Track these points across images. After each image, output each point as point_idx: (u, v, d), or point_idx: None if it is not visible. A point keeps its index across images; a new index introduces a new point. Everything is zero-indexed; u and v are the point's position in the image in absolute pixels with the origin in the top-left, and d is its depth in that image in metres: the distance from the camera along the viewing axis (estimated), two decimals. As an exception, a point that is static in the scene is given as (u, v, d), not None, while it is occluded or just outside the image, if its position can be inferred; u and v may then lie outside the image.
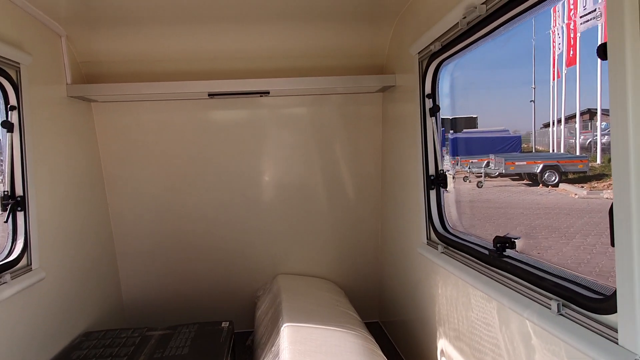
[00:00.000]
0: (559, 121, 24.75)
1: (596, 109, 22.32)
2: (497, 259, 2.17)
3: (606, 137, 20.77)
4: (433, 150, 2.99)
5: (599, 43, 1.40)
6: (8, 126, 2.69)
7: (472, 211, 12.65)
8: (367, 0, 3.19)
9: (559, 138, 23.43)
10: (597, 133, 20.90)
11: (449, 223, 2.94)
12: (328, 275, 4.38)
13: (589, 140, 22.01)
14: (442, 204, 2.97)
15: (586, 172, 15.96)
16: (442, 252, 2.74)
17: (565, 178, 15.87)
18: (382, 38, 3.76)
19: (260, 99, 4.02)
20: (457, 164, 17.96)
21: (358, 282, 4.40)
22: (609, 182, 14.61)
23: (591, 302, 1.54)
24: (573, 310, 1.63)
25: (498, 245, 2.17)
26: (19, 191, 2.74)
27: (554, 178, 15.53)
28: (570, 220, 11.04)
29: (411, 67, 3.15)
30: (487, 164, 16.86)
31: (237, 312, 4.23)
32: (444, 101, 3.06)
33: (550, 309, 1.70)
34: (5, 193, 2.71)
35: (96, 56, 3.67)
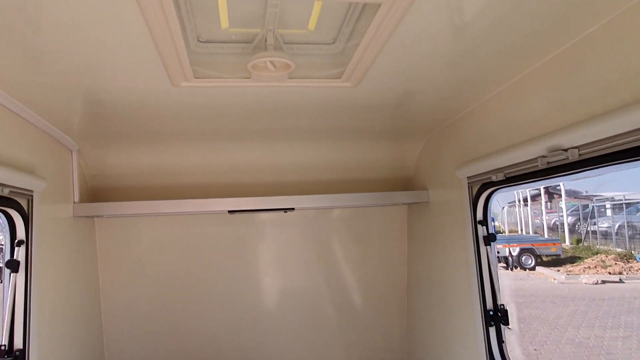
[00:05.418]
0: (525, 200, 25.56)
1: (555, 188, 23.36)
2: None
3: (569, 217, 21.50)
4: (489, 282, 2.75)
5: None
6: (13, 266, 2.26)
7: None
8: (396, 121, 3.06)
9: (526, 218, 24.12)
10: (562, 213, 21.65)
11: (515, 368, 2.63)
12: None
13: (554, 220, 22.72)
14: (504, 345, 2.68)
15: (560, 255, 16.22)
16: None
17: (540, 261, 16.04)
18: (410, 152, 3.65)
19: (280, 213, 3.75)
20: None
21: None
22: (584, 266, 14.83)
23: None
24: None
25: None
26: (17, 343, 2.26)
27: (530, 262, 15.66)
28: (557, 309, 10.92)
29: (449, 184, 2.99)
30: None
31: None
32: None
33: None
34: (3, 347, 2.22)
35: (106, 169, 3.34)
